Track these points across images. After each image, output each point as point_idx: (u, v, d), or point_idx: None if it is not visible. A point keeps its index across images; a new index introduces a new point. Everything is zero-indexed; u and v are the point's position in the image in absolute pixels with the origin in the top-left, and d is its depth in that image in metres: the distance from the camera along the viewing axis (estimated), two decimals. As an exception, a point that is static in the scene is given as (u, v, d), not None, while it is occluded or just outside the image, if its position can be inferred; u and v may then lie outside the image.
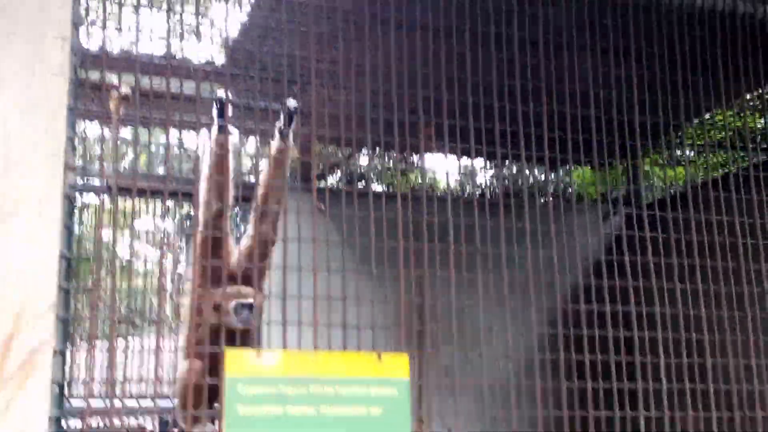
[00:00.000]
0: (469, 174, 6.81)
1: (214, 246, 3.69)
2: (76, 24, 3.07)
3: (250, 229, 4.22)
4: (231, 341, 3.51)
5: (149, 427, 5.34)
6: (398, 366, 3.31)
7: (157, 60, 3.54)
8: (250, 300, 3.99)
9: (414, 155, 4.93)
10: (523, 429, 3.57)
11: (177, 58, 3.78)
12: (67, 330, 2.91)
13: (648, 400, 3.75)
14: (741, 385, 3.92)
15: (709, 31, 4.35)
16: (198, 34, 4.17)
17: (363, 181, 6.93)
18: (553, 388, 3.67)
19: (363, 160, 6.77)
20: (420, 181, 5.53)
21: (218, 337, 3.48)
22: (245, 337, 3.92)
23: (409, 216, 3.65)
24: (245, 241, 4.20)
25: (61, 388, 2.85)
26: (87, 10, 3.63)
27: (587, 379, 3.69)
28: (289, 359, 3.22)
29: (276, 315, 3.34)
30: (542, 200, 4.15)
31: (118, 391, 3.62)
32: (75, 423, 4.46)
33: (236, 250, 4.17)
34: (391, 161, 6.53)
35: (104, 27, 3.37)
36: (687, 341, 3.89)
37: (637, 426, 3.71)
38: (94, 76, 3.52)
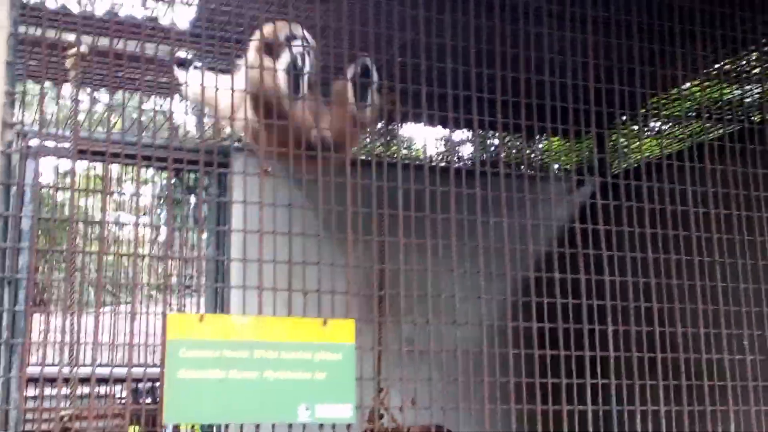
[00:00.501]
0: (444, 142, 6.80)
1: None
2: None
3: None
4: None
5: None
6: (344, 331, 3.32)
7: (121, 19, 3.47)
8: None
9: (390, 122, 4.87)
10: (491, 398, 3.57)
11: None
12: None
13: (619, 368, 3.77)
14: (710, 354, 3.96)
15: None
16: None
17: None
18: (523, 356, 3.68)
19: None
20: (394, 148, 5.50)
21: None
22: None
23: (368, 183, 3.62)
24: None
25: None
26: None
27: (560, 347, 3.71)
28: (233, 323, 3.21)
29: (237, 280, 3.30)
30: (517, 170, 4.14)
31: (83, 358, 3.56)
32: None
33: None
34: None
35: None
36: (658, 311, 3.92)
37: (607, 395, 3.73)
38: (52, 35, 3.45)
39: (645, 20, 4.24)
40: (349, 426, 3.30)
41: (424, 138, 6.56)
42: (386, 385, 4.08)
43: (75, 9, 3.38)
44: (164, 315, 3.15)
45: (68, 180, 3.61)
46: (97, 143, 4.09)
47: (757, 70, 5.24)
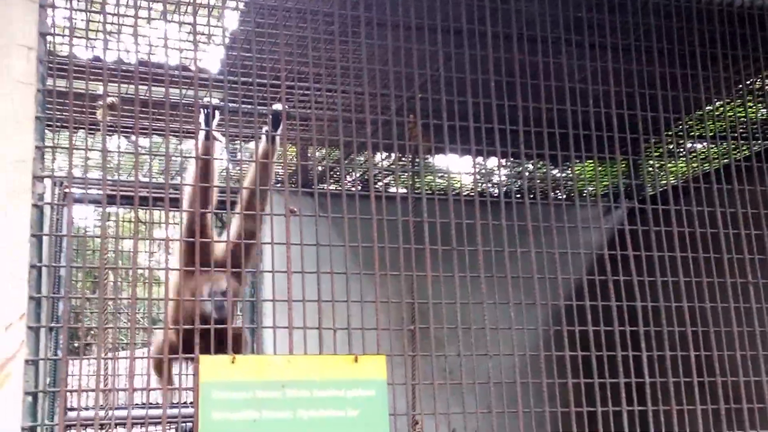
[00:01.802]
0: (472, 174, 6.81)
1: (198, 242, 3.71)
2: (43, 33, 3.09)
3: (234, 225, 4.24)
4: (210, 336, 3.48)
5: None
6: (375, 367, 3.32)
7: (141, 67, 3.55)
8: (224, 286, 4.01)
9: (415, 156, 4.91)
10: (528, 425, 3.56)
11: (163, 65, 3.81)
12: (38, 340, 2.93)
13: (655, 394, 3.74)
14: (749, 376, 3.92)
15: (708, 23, 4.35)
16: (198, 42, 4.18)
17: (363, 182, 6.94)
18: (558, 385, 3.66)
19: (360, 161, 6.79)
20: (420, 181, 5.55)
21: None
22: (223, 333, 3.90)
23: (392, 216, 3.64)
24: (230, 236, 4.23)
25: (35, 398, 2.87)
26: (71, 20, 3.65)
27: (594, 376, 3.69)
28: (265, 363, 3.23)
29: (279, 320, 3.33)
30: (544, 197, 4.15)
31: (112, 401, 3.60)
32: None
33: (220, 246, 4.19)
34: (391, 163, 6.54)
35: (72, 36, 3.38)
36: (693, 334, 3.89)
37: (644, 420, 3.69)
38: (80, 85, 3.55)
39: (665, 46, 4.25)
40: (383, 461, 3.30)
41: (448, 168, 6.59)
42: (420, 417, 4.08)
43: (105, 58, 3.47)
44: (196, 358, 3.18)
45: (109, 224, 3.68)
46: (126, 188, 4.18)
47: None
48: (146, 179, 4.62)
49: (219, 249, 4.11)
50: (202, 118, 4.01)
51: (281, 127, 4.11)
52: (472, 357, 3.66)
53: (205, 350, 3.22)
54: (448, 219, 3.72)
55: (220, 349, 3.41)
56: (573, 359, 3.72)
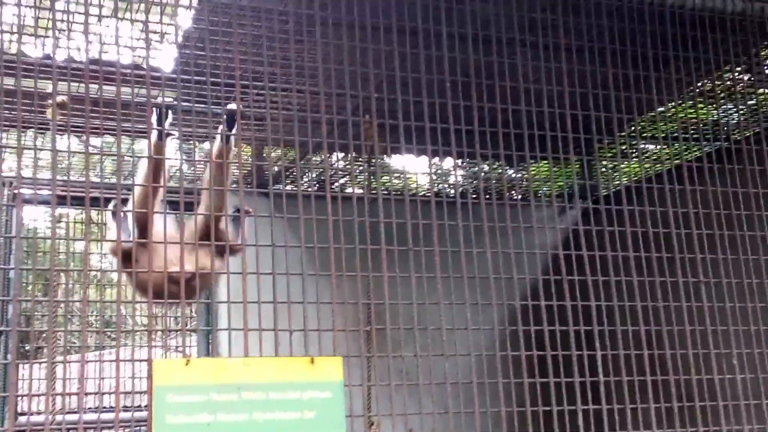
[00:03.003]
0: (428, 174, 6.82)
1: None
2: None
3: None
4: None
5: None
6: (332, 369, 3.31)
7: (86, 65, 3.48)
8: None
9: (371, 156, 4.90)
10: (484, 425, 3.56)
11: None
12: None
13: (610, 393, 3.77)
14: (701, 374, 3.97)
15: (660, 25, 4.41)
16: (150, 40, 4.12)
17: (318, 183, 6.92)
18: (514, 385, 3.67)
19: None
20: (376, 181, 5.54)
21: None
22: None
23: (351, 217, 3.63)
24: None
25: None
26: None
27: (549, 375, 3.71)
28: (220, 366, 3.19)
29: (234, 322, 3.29)
30: (500, 197, 4.16)
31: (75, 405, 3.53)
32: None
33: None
34: (347, 163, 6.52)
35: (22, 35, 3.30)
36: (646, 333, 3.93)
37: (599, 419, 3.73)
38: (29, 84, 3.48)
39: (617, 47, 4.29)
40: (340, 464, 3.28)
41: (404, 168, 6.59)
42: (377, 419, 4.07)
43: (56, 57, 3.40)
44: (149, 361, 3.13)
45: (60, 225, 3.60)
46: (78, 189, 4.11)
47: (732, 90, 5.29)
48: (98, 179, 4.53)
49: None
50: (154, 118, 3.95)
51: (236, 126, 4.07)
52: (429, 357, 3.66)
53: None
54: (404, 219, 3.72)
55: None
56: (529, 359, 3.73)
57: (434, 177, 6.80)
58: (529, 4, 4.18)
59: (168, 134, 4.05)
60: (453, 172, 6.82)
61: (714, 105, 5.45)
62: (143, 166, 4.00)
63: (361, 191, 6.46)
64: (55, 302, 2.89)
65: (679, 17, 4.46)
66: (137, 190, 4.00)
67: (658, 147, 5.83)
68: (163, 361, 3.14)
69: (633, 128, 5.13)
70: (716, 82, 5.22)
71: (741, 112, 5.47)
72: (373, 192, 4.38)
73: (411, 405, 3.58)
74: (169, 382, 3.08)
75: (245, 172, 5.84)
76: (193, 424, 3.09)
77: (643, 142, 5.94)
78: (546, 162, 6.69)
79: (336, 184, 7.06)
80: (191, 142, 4.68)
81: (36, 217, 8.24)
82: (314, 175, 6.82)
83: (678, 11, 4.41)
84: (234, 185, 4.20)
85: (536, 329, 3.79)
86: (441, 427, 3.56)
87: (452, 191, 6.98)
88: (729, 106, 5.66)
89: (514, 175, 7.06)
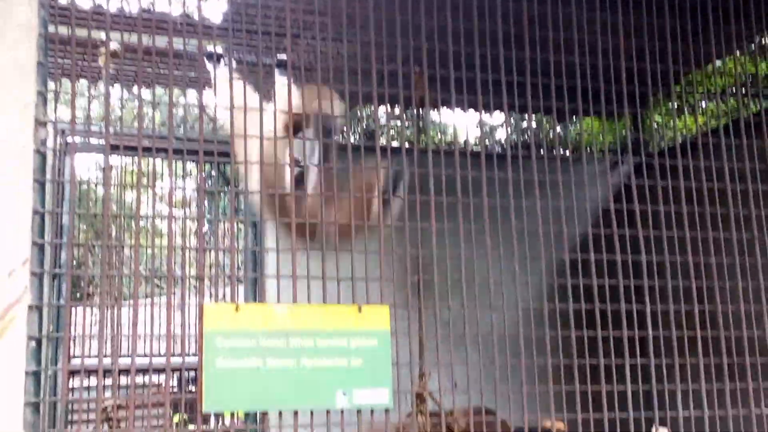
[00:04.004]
0: (477, 127, 6.77)
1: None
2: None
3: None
4: None
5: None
6: (379, 317, 3.34)
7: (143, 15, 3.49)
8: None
9: (421, 109, 4.86)
10: (530, 378, 3.56)
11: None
12: (41, 286, 2.92)
13: (658, 348, 3.74)
14: (753, 331, 3.91)
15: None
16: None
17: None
18: (561, 338, 3.66)
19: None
20: (430, 135, 5.49)
21: None
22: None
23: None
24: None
25: (39, 343, 2.87)
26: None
27: (597, 328, 3.69)
28: (268, 312, 3.24)
29: (282, 270, 3.31)
30: (551, 152, 4.10)
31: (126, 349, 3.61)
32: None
33: None
34: (398, 115, 6.49)
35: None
36: (698, 289, 3.88)
37: (647, 374, 3.71)
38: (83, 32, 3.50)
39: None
40: (387, 411, 3.32)
41: (454, 124, 6.55)
42: (427, 369, 4.09)
43: (106, 6, 3.42)
44: (200, 306, 3.18)
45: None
46: (130, 138, 4.14)
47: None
48: (149, 130, 4.56)
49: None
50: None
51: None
52: (476, 310, 3.66)
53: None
54: (453, 172, 3.70)
55: None
56: (576, 312, 3.72)
57: (485, 131, 6.75)
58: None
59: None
60: (503, 126, 6.75)
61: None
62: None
63: (409, 145, 6.43)
64: (108, 246, 2.95)
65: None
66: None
67: (714, 102, 5.70)
68: (214, 306, 3.19)
69: (690, 82, 5.01)
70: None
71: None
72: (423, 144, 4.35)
73: (456, 357, 3.59)
74: (219, 326, 3.14)
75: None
76: (243, 368, 3.15)
77: (700, 96, 5.81)
78: (598, 116, 6.58)
79: (384, 136, 7.04)
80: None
81: (87, 168, 8.38)
82: (363, 126, 6.80)
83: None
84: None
85: (585, 283, 3.76)
86: (487, 379, 3.57)
87: (501, 146, 6.92)
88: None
89: (565, 130, 6.96)
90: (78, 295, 6.93)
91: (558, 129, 6.96)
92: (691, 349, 3.77)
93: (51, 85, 3.52)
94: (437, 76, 3.83)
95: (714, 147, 4.19)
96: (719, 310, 3.87)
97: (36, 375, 2.86)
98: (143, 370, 4.01)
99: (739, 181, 4.10)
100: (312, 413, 3.19)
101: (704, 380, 3.77)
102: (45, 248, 2.95)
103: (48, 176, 3.29)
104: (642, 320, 3.76)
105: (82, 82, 5.25)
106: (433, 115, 6.58)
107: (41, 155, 2.93)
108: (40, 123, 2.92)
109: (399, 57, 3.79)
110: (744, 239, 4.01)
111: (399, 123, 6.41)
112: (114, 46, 3.85)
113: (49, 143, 3.31)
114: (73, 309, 6.54)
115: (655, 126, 7.04)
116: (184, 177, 7.71)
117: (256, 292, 5.59)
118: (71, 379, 5.37)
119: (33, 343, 2.83)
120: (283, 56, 4.04)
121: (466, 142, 4.19)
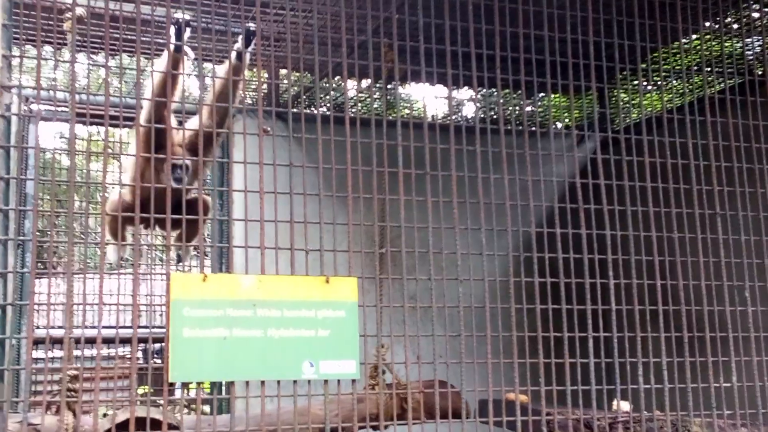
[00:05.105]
0: (446, 101, 6.76)
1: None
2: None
3: (194, 121, 4.19)
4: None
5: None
6: (347, 288, 3.35)
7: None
8: (184, 161, 4.15)
9: (390, 81, 4.85)
10: (495, 351, 3.60)
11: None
12: (6, 253, 2.88)
13: (621, 321, 3.80)
14: (713, 306, 3.99)
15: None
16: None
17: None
18: (526, 311, 3.70)
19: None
20: (399, 108, 5.48)
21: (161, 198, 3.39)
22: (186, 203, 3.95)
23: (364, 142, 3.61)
24: (188, 132, 4.23)
25: (3, 311, 2.84)
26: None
27: (562, 302, 3.74)
28: (236, 282, 3.23)
29: (250, 240, 3.30)
30: (518, 126, 4.12)
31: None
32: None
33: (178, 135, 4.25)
34: (366, 88, 6.47)
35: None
36: (660, 263, 3.94)
37: (610, 347, 3.76)
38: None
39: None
40: (353, 381, 3.34)
41: (424, 97, 6.54)
42: (388, 341, 4.12)
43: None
44: (167, 275, 3.17)
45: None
46: (96, 107, 4.11)
47: (758, 23, 5.19)
48: (115, 98, 4.52)
49: (177, 138, 4.23)
50: (173, 32, 3.91)
51: (252, 44, 4.03)
52: (443, 282, 3.68)
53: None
54: (422, 143, 3.70)
55: (179, 216, 3.40)
56: (542, 285, 3.76)
57: (453, 105, 6.75)
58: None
59: (185, 53, 4.02)
60: (471, 100, 6.77)
61: (738, 38, 5.36)
62: (155, 78, 3.95)
63: (378, 116, 6.42)
64: (74, 214, 2.92)
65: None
66: (147, 102, 3.96)
67: (680, 79, 5.76)
68: (181, 275, 3.18)
69: (655, 59, 5.04)
70: (741, 14, 5.13)
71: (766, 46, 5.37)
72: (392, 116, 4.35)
73: (423, 329, 3.61)
74: (187, 296, 3.13)
75: (264, 93, 5.80)
76: (210, 338, 3.15)
77: (665, 73, 5.86)
78: (566, 92, 6.62)
79: (354, 108, 7.02)
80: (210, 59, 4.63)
81: (53, 136, 8.26)
82: (332, 97, 6.77)
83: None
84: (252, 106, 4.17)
85: (550, 256, 3.80)
86: (452, 350, 3.60)
87: (468, 121, 6.93)
88: (752, 39, 5.56)
89: (532, 105, 6.99)
90: (43, 266, 6.87)
91: (526, 104, 6.99)
92: (653, 323, 3.83)
93: (15, 51, 3.47)
94: (407, 48, 3.82)
95: (678, 123, 4.24)
96: (681, 285, 3.93)
97: (0, 343, 2.83)
98: (109, 341, 3.98)
99: (702, 158, 4.15)
100: (279, 383, 3.20)
101: (665, 353, 3.84)
102: (9, 214, 2.92)
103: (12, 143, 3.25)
104: (605, 294, 3.81)
105: (47, 50, 5.16)
106: (402, 90, 6.56)
107: (5, 120, 2.89)
108: (4, 87, 2.87)
109: (369, 28, 3.78)
110: (706, 215, 4.07)
111: (367, 95, 6.40)
112: (80, 11, 3.79)
113: (14, 109, 3.26)
114: (38, 280, 6.47)
115: (623, 101, 7.09)
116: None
117: (221, 264, 5.59)
118: (35, 350, 5.35)
119: (-3, 312, 2.80)
120: (252, 26, 4.00)
121: (434, 116, 4.20)
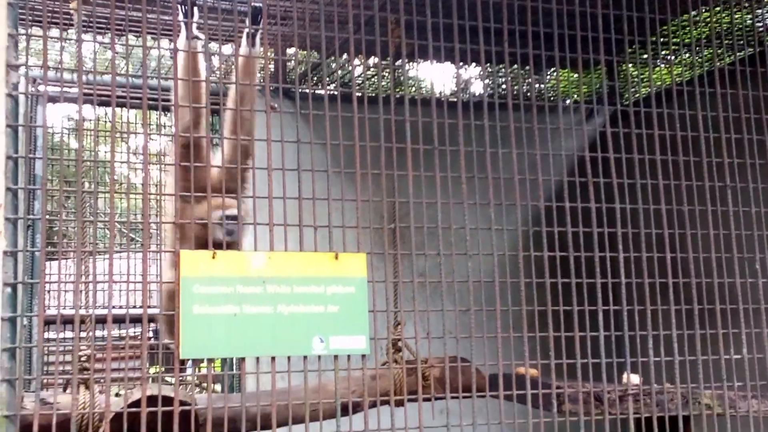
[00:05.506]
0: (453, 78, 6.74)
1: (194, 156, 3.41)
2: None
3: (226, 137, 4.13)
4: None
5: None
6: (356, 264, 3.35)
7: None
8: (235, 211, 3.92)
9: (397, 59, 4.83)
10: (505, 326, 3.60)
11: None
12: (16, 232, 2.88)
13: (630, 294, 3.79)
14: (723, 278, 3.97)
15: None
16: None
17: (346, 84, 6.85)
18: (535, 285, 3.70)
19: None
20: (403, 80, 5.48)
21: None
22: (232, 248, 3.86)
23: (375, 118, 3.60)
24: (224, 150, 4.11)
25: (14, 289, 2.84)
26: None
27: (571, 276, 3.73)
28: (245, 259, 3.23)
29: (259, 217, 3.31)
30: (527, 100, 4.10)
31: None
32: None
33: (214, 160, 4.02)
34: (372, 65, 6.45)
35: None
36: (670, 236, 3.92)
37: (620, 320, 3.76)
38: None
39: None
40: (363, 357, 3.35)
41: (431, 74, 6.52)
42: (402, 317, 4.13)
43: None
44: (177, 253, 3.18)
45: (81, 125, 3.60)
46: (104, 88, 4.10)
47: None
48: (122, 79, 4.51)
49: (215, 170, 3.96)
50: (180, 15, 3.89)
51: (261, 23, 4.01)
52: (452, 257, 3.68)
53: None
54: (430, 119, 3.69)
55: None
56: (551, 259, 3.75)
57: (460, 81, 6.72)
58: None
59: (195, 36, 3.99)
60: (479, 77, 6.74)
61: (748, 10, 5.31)
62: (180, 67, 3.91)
63: (386, 93, 6.40)
64: (83, 193, 2.92)
65: None
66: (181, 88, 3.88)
67: (690, 52, 5.72)
68: (190, 252, 3.18)
69: (665, 32, 5.00)
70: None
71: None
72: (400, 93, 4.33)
73: (432, 305, 3.61)
74: (196, 273, 3.14)
75: (271, 72, 5.78)
76: (219, 314, 3.15)
77: (675, 46, 5.82)
78: (574, 66, 6.58)
79: (362, 85, 7.00)
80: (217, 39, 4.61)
81: (60, 118, 8.27)
82: (339, 75, 6.74)
83: None
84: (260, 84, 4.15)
85: (560, 231, 3.79)
86: (462, 325, 3.60)
87: (476, 96, 6.90)
88: (762, 11, 5.51)
89: (541, 79, 6.95)
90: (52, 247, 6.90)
91: (534, 80, 6.95)
92: (663, 296, 3.82)
93: (22, 31, 3.46)
94: (414, 23, 3.80)
95: (688, 96, 4.22)
96: (691, 258, 3.92)
97: (12, 322, 2.85)
98: (120, 321, 4.00)
99: (712, 131, 4.12)
100: (289, 359, 3.21)
101: (675, 326, 3.84)
102: (18, 194, 2.92)
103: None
104: (615, 267, 3.81)
105: (53, 32, 5.16)
106: (409, 67, 6.54)
107: (13, 99, 2.89)
108: (11, 66, 2.87)
109: (376, 3, 3.76)
110: (716, 188, 4.05)
111: (374, 74, 6.37)
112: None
113: (21, 89, 3.26)
114: (48, 262, 6.50)
115: (632, 75, 7.04)
116: (162, 128, 7.63)
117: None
118: (47, 331, 5.38)
119: (8, 290, 2.81)
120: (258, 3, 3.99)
121: (441, 92, 4.20)
